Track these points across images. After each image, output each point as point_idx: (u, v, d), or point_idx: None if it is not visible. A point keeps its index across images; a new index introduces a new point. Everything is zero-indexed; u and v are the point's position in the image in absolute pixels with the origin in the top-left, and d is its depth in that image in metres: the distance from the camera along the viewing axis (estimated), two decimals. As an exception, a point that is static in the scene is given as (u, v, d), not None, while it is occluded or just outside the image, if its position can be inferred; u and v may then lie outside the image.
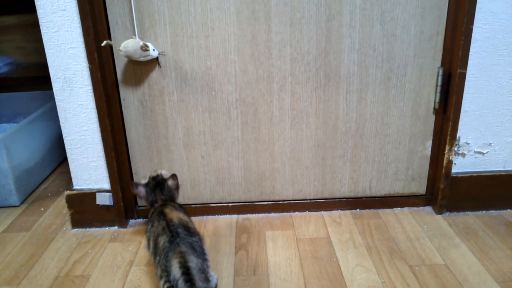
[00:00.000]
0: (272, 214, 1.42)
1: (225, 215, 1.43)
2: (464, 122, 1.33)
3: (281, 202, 1.43)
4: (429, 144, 1.37)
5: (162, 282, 0.92)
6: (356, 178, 1.41)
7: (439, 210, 1.40)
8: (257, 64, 1.27)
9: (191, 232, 1.00)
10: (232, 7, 1.21)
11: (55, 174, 1.79)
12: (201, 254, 0.96)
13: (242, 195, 1.42)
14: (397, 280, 1.10)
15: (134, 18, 1.20)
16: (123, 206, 1.36)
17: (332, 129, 1.34)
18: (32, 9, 1.20)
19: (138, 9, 1.20)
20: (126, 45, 1.15)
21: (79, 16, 1.18)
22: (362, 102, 1.32)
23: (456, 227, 1.33)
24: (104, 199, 1.35)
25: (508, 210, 1.42)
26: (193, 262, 0.91)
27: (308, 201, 1.43)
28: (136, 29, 1.21)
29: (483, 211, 1.41)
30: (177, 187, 1.20)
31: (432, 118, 1.35)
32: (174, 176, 1.19)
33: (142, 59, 1.18)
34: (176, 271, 0.89)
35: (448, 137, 1.32)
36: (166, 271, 0.91)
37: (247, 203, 1.42)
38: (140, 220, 1.42)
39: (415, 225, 1.34)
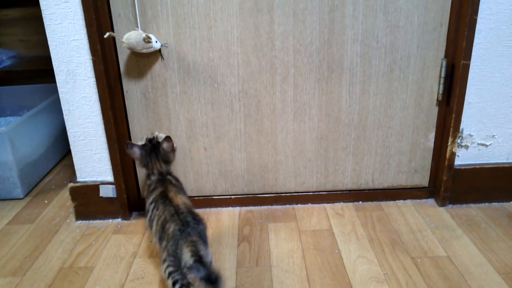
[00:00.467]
0: (274, 206, 1.43)
1: (228, 207, 1.43)
2: (468, 114, 1.33)
3: (283, 194, 1.43)
4: (432, 136, 1.37)
5: (165, 265, 0.94)
6: (359, 170, 1.41)
7: (442, 202, 1.40)
8: (260, 56, 1.27)
9: (198, 220, 1.02)
10: (234, -1, 1.21)
11: (59, 167, 1.80)
12: (207, 243, 0.99)
13: (244, 187, 1.42)
14: (399, 271, 1.11)
15: (137, 10, 1.20)
16: (126, 198, 1.37)
17: (335, 121, 1.34)
18: (35, 2, 1.20)
19: (140, 0, 1.20)
20: (129, 37, 1.15)
21: (82, 8, 1.18)
22: (365, 94, 1.31)
23: (458, 219, 1.33)
24: (107, 191, 1.35)
25: (511, 202, 1.41)
26: (203, 251, 0.94)
27: (311, 193, 1.43)
28: (138, 20, 1.21)
29: (486, 203, 1.41)
30: (172, 149, 1.20)
31: (435, 110, 1.34)
32: (168, 138, 1.18)
33: (144, 51, 1.18)
34: (188, 258, 0.91)
35: (451, 129, 1.32)
36: (173, 257, 0.94)
37: (249, 196, 1.42)
38: (143, 212, 1.43)
39: (418, 217, 1.34)
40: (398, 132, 1.36)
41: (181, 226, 0.97)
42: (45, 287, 1.11)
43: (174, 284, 0.92)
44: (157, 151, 1.18)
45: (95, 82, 1.25)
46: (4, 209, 1.49)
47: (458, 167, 1.37)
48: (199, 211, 1.37)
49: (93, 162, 1.35)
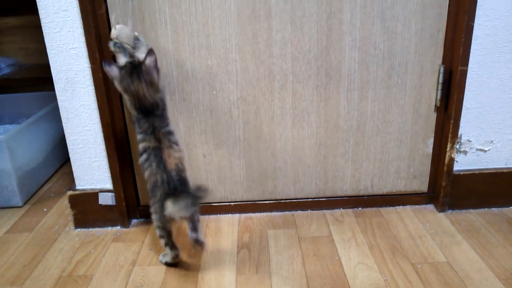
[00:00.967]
0: (274, 213, 1.43)
1: (227, 214, 1.43)
2: (466, 120, 1.33)
3: (283, 201, 1.43)
4: (430, 142, 1.37)
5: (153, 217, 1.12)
6: (358, 177, 1.41)
7: (441, 208, 1.40)
8: (258, 63, 1.27)
9: (182, 178, 1.11)
10: (232, 6, 1.21)
11: (57, 175, 1.80)
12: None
13: (244, 194, 1.42)
14: (399, 278, 1.10)
15: (135, 17, 1.21)
16: (125, 206, 1.37)
17: (334, 127, 1.34)
18: (33, 10, 1.20)
19: (139, 8, 1.21)
20: (120, 33, 1.14)
21: (80, 16, 1.18)
22: (363, 100, 1.32)
23: (458, 224, 1.33)
24: (106, 199, 1.35)
25: (510, 207, 1.41)
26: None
27: (310, 199, 1.43)
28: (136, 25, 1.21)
29: (485, 209, 1.41)
30: (155, 64, 1.10)
31: (433, 116, 1.35)
32: (150, 52, 1.09)
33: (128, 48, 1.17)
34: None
35: (449, 135, 1.32)
36: (157, 214, 1.10)
37: (249, 202, 1.42)
38: (143, 220, 1.42)
39: (417, 223, 1.34)
40: (397, 138, 1.37)
41: (168, 191, 1.07)
42: (44, 296, 1.11)
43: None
44: (139, 70, 1.08)
45: (94, 90, 1.25)
46: (3, 218, 1.49)
47: (457, 173, 1.37)
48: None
49: (92, 170, 1.35)
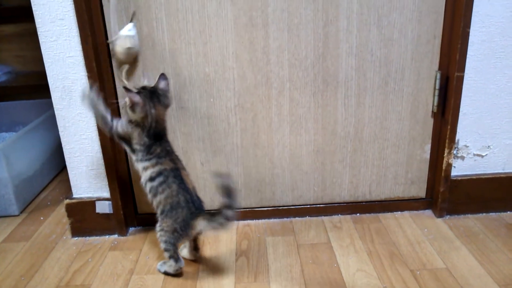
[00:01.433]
0: (272, 220, 1.42)
1: (225, 222, 1.42)
2: (463, 125, 1.33)
3: (281, 207, 1.43)
4: (428, 147, 1.38)
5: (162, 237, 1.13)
6: (356, 183, 1.41)
7: (439, 214, 1.40)
8: (255, 70, 1.27)
9: (199, 197, 1.17)
10: (229, 14, 1.21)
11: (54, 183, 1.79)
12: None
13: (242, 201, 1.41)
14: (398, 285, 1.10)
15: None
16: (123, 214, 1.36)
17: (331, 134, 1.35)
18: (30, 18, 1.20)
19: (136, 17, 1.21)
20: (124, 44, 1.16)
21: (77, 25, 1.18)
22: (360, 106, 1.32)
23: (456, 230, 1.33)
24: (104, 208, 1.34)
25: (508, 212, 1.41)
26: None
27: (308, 206, 1.43)
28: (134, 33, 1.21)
29: (483, 214, 1.41)
30: (168, 87, 1.15)
31: (430, 122, 1.35)
32: (163, 76, 1.13)
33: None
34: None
35: (447, 140, 1.33)
36: (175, 233, 1.11)
37: (247, 210, 1.42)
38: (140, 227, 1.42)
39: (416, 229, 1.34)
40: (394, 144, 1.37)
41: (194, 210, 1.11)
42: (41, 306, 1.10)
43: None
44: (158, 94, 1.10)
45: (91, 99, 1.25)
46: (0, 227, 1.48)
47: (455, 178, 1.37)
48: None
49: (89, 178, 1.34)
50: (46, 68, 1.23)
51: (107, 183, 1.33)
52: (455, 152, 1.36)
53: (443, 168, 1.35)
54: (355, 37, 1.25)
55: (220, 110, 1.31)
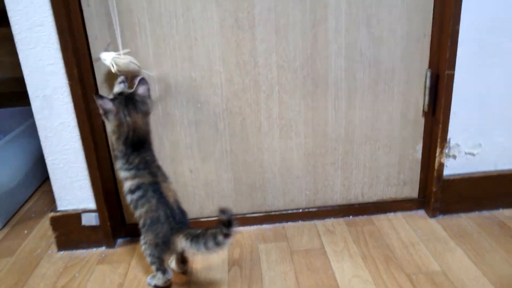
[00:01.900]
0: (264, 226, 1.39)
1: (216, 229, 1.39)
2: (454, 124, 1.32)
3: (273, 213, 1.40)
4: (419, 147, 1.36)
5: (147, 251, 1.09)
6: (348, 185, 1.39)
7: (432, 213, 1.38)
8: (243, 74, 1.24)
9: (182, 210, 1.10)
10: (215, 16, 1.18)
11: (38, 193, 1.73)
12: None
13: (232, 208, 1.38)
14: (395, 289, 1.08)
15: (117, 32, 1.16)
16: (110, 225, 1.31)
17: (322, 136, 1.32)
18: (6, 23, 1.14)
19: (117, 22, 1.16)
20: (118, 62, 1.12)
21: (56, 31, 1.13)
22: (350, 108, 1.30)
23: (450, 230, 1.32)
24: (90, 220, 1.30)
25: (501, 209, 1.41)
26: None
27: (300, 210, 1.40)
28: (120, 45, 1.16)
29: (476, 212, 1.40)
30: (149, 94, 1.08)
31: (421, 121, 1.33)
32: (142, 80, 1.06)
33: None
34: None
35: (438, 140, 1.31)
36: (157, 247, 1.07)
37: (238, 216, 1.39)
38: (129, 238, 1.37)
39: (409, 230, 1.32)
40: (386, 145, 1.35)
41: (174, 225, 1.05)
42: (26, 326, 1.05)
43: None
44: (134, 100, 1.05)
45: (73, 107, 1.20)
46: (-19, 242, 1.42)
47: (447, 177, 1.36)
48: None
49: (74, 190, 1.29)
50: (25, 77, 1.18)
51: (92, 194, 1.29)
52: (446, 151, 1.34)
53: (435, 167, 1.34)
54: (344, 37, 1.22)
55: (207, 115, 1.27)
